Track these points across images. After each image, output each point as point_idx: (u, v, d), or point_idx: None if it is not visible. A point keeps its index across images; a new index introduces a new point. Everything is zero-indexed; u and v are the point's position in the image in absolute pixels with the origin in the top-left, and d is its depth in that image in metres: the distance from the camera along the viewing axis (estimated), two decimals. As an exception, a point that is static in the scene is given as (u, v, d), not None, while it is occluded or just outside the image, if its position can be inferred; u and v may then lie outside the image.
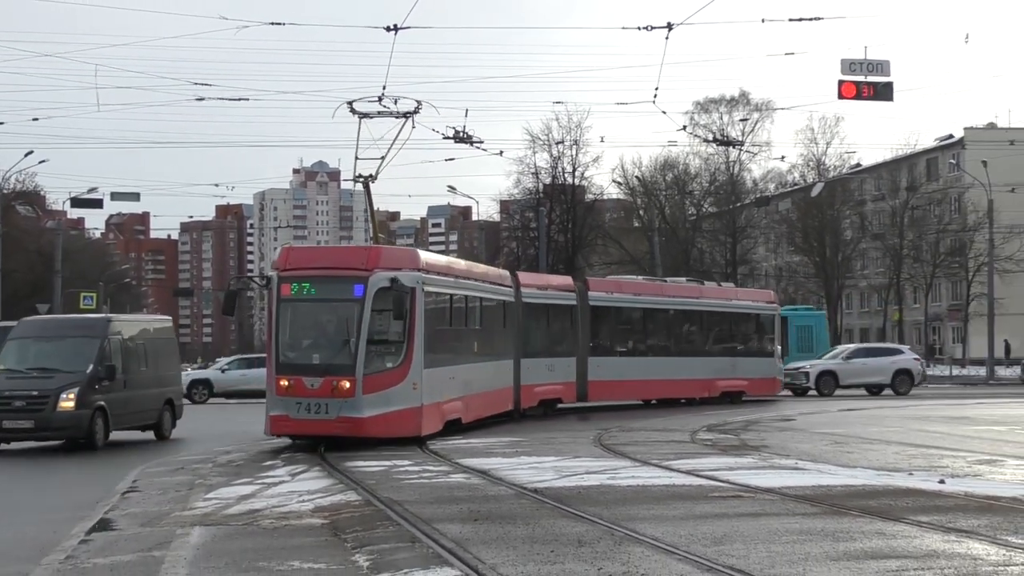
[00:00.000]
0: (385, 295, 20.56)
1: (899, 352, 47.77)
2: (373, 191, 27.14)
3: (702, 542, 10.45)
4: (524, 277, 31.46)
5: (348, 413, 20.19)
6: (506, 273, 30.39)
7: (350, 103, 25.36)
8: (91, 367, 22.51)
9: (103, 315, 25.69)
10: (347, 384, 20.25)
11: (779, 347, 41.24)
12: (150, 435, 24.96)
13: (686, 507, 13.00)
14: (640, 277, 45.20)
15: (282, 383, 20.63)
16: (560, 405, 31.68)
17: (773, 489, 14.44)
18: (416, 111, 25.62)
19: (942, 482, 15.36)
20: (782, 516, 12.23)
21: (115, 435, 23.32)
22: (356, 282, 20.81)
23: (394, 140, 25.94)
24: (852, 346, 52.96)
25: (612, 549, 10.24)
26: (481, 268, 30.27)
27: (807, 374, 43.49)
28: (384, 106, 25.61)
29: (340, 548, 10.84)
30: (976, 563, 9.44)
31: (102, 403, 22.56)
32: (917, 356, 49.85)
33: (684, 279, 45.01)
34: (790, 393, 43.07)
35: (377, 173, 26.91)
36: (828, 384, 43.65)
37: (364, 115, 25.47)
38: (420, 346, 21.38)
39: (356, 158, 26.31)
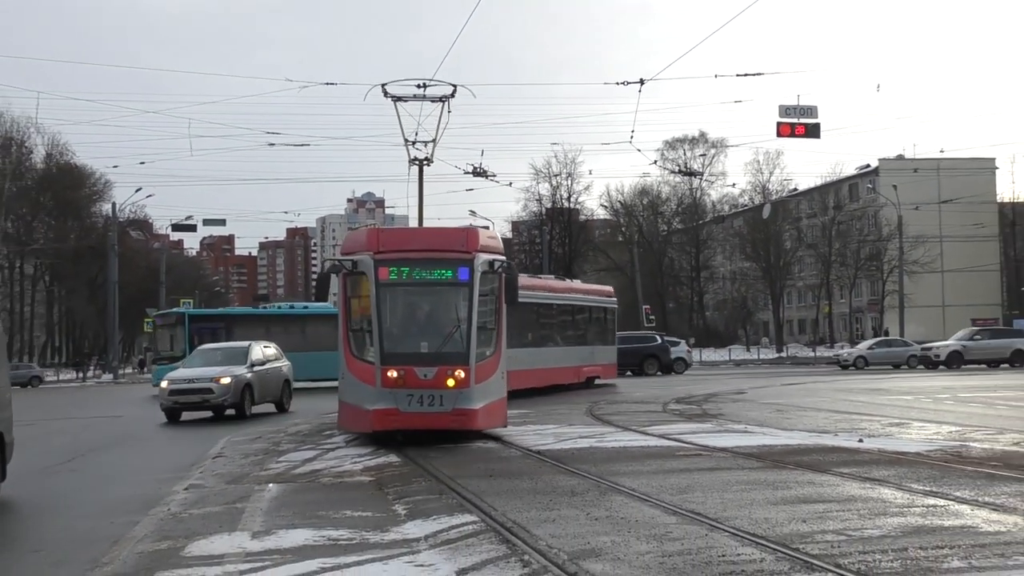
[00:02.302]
0: (486, 279, 16.07)
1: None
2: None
3: (669, 492, 10.43)
4: None
5: (463, 405, 15.52)
6: None
7: (383, 85, 21.58)
8: None
9: None
10: (462, 373, 15.50)
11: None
12: None
13: (657, 464, 12.95)
14: (525, 275, 40.75)
15: (390, 374, 15.44)
16: None
17: (727, 448, 14.40)
18: (452, 95, 21.60)
19: (860, 441, 15.33)
20: (733, 470, 12.20)
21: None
22: (461, 264, 15.95)
23: (438, 123, 21.94)
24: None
25: (598, 498, 10.24)
26: None
27: None
28: (420, 92, 21.75)
29: (383, 499, 10.84)
30: (886, 505, 9.42)
31: None
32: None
33: (552, 276, 40.99)
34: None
35: (432, 156, 23.32)
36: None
37: (398, 98, 21.63)
38: (505, 334, 16.86)
39: (405, 140, 22.63)
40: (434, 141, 22.66)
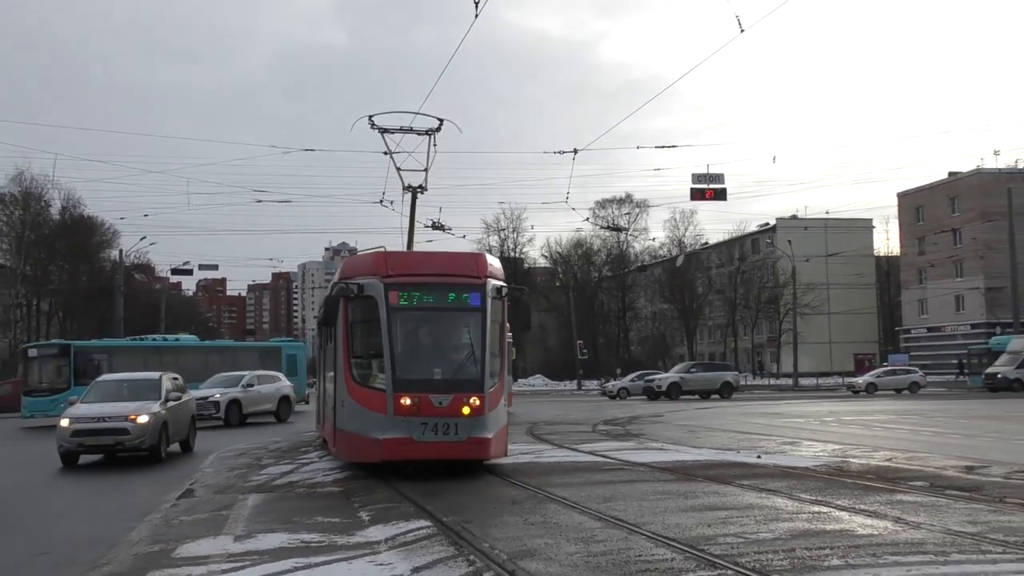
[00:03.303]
0: (494, 304, 13.48)
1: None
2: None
3: (596, 501, 10.41)
4: None
5: (478, 433, 12.88)
6: None
7: (370, 117, 19.31)
8: None
9: None
10: (477, 401, 12.83)
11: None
12: None
13: (587, 476, 12.94)
14: None
15: (403, 401, 12.65)
16: None
17: (646, 463, 14.42)
18: (438, 129, 19.35)
19: (759, 457, 15.39)
20: (650, 482, 12.20)
21: None
22: (473, 289, 13.34)
23: (427, 154, 19.82)
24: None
25: (535, 506, 10.19)
26: None
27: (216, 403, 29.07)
28: (406, 126, 19.68)
29: (350, 507, 10.71)
30: (778, 512, 9.48)
31: None
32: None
33: None
34: None
35: (425, 184, 20.91)
36: None
37: (384, 130, 19.36)
38: (508, 361, 14.32)
39: (397, 169, 20.33)
40: (426, 169, 20.32)
